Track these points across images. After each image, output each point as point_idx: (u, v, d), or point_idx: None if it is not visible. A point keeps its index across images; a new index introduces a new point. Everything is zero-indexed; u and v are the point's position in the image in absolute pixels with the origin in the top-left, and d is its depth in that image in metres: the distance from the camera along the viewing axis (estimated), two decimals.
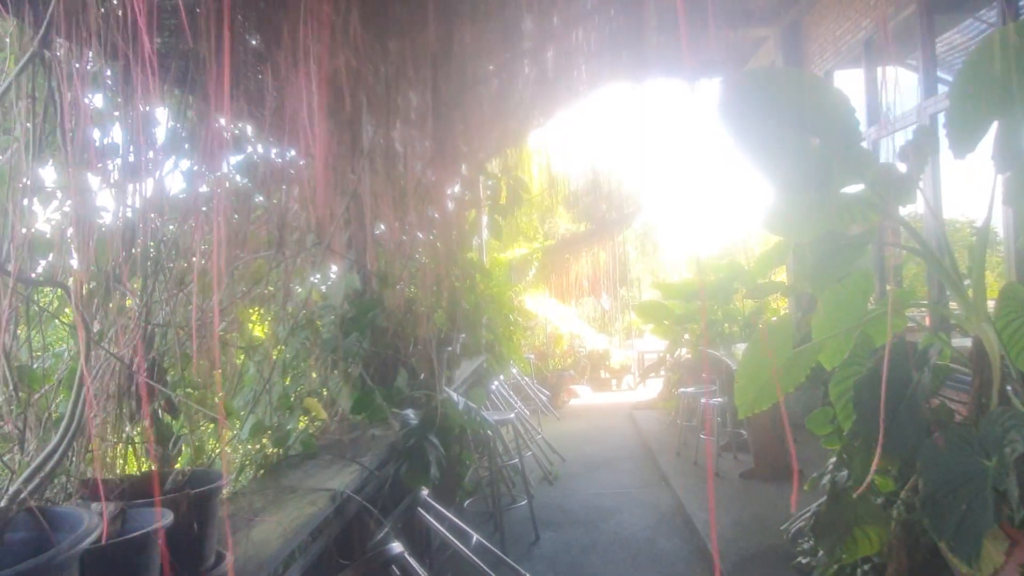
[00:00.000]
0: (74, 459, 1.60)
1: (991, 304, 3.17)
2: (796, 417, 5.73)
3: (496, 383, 6.27)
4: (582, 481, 6.01)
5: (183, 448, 2.17)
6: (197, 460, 2.00)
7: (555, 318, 11.08)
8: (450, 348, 3.95)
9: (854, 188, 3.34)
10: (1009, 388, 3.15)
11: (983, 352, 2.99)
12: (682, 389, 6.94)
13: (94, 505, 1.43)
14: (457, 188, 5.34)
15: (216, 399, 2.04)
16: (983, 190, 3.00)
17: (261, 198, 3.11)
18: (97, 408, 1.73)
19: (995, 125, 2.95)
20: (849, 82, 6.60)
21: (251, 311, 2.83)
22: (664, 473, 5.97)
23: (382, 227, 4.15)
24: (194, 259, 2.37)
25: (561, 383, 10.16)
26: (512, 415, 5.02)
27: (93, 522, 1.08)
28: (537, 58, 7.44)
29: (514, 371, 8.06)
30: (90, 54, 1.80)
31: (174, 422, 1.89)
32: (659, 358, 9.13)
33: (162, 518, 1.26)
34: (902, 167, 3.29)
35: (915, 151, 3.37)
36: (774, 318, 7.09)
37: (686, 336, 7.78)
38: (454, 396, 3.10)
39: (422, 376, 3.43)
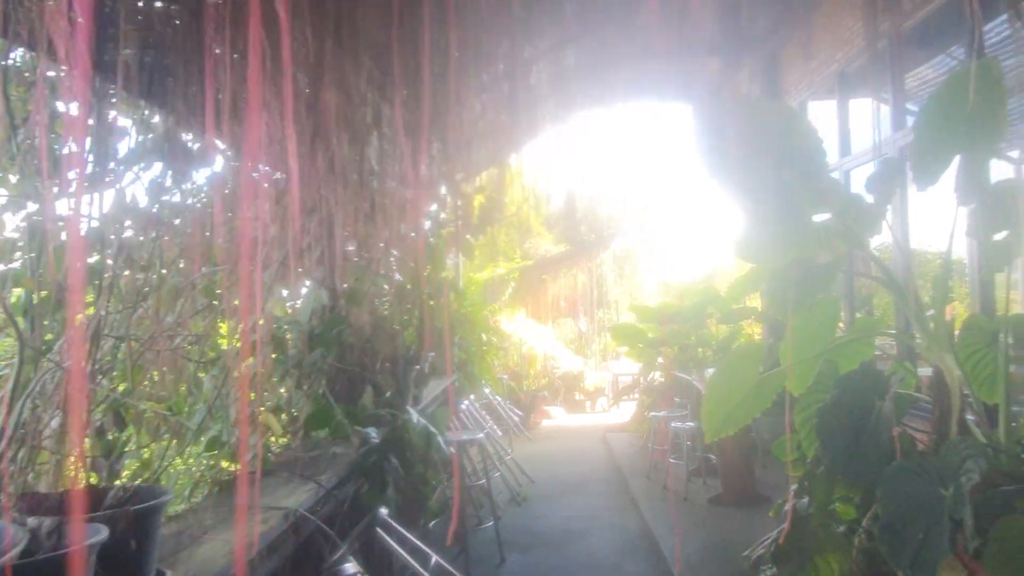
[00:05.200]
0: (14, 471, 1.56)
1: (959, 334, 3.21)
2: (765, 442, 5.76)
3: (467, 403, 6.24)
4: (551, 503, 5.97)
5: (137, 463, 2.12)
6: (144, 475, 1.96)
7: (530, 338, 11.07)
8: (418, 367, 3.92)
9: (824, 217, 3.38)
10: (971, 418, 3.19)
11: (943, 382, 3.03)
12: (653, 413, 6.94)
13: (30, 520, 1.39)
14: (433, 207, 5.35)
15: (169, 413, 2.00)
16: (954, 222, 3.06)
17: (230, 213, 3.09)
18: (44, 420, 1.70)
19: (958, 159, 3.02)
20: (823, 113, 6.72)
21: (214, 325, 2.79)
22: (634, 497, 5.95)
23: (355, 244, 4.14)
24: (164, 271, 2.34)
25: (534, 404, 10.12)
26: (481, 435, 4.99)
27: (18, 537, 1.05)
28: (518, 80, 7.51)
29: (487, 391, 8.03)
30: (49, 63, 1.78)
31: (120, 436, 1.85)
32: (632, 381, 9.14)
33: (96, 534, 1.23)
34: (870, 198, 3.35)
35: (881, 183, 3.43)
36: (744, 343, 7.13)
37: (659, 359, 7.80)
38: (414, 416, 3.07)
39: (388, 394, 3.40)
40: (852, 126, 6.12)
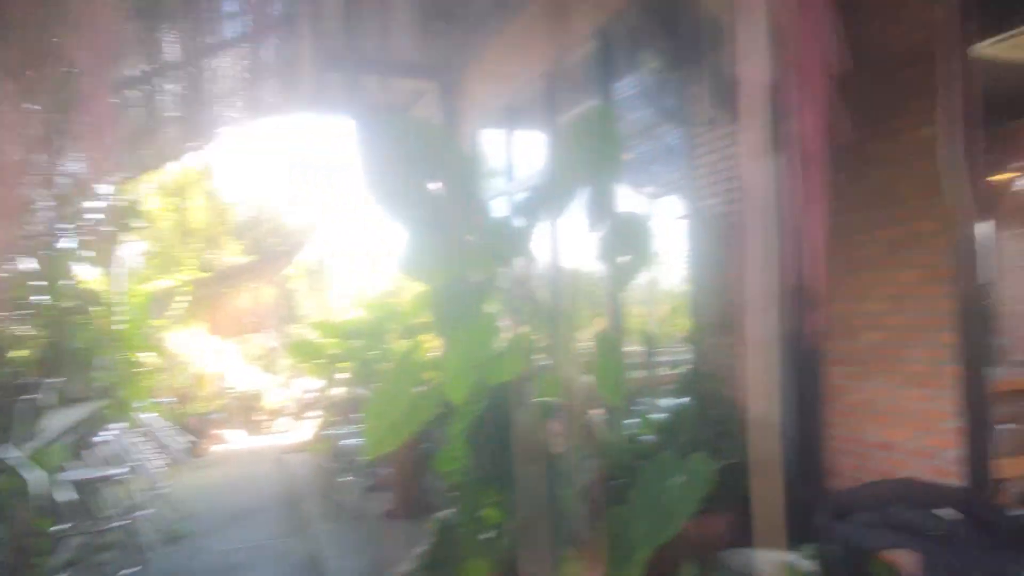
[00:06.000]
0: None
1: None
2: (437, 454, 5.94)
3: (113, 433, 5.49)
4: (213, 537, 5.48)
5: None
6: None
7: (204, 356, 10.20)
8: (35, 395, 3.31)
9: (480, 238, 3.56)
10: (599, 419, 3.60)
11: (574, 390, 3.37)
12: (331, 431, 6.79)
13: None
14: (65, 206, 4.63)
15: None
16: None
17: None
18: None
19: (586, 190, 3.39)
20: (496, 141, 7.22)
21: None
22: (307, 519, 5.74)
23: None
24: None
25: (206, 428, 9.32)
26: (124, 470, 4.40)
27: None
28: (187, 76, 6.90)
29: (145, 417, 7.19)
30: None
31: None
32: (313, 398, 8.88)
33: None
34: (521, 221, 3.62)
35: (528, 208, 3.73)
36: (403, 358, 7.30)
37: (341, 376, 7.68)
38: (14, 456, 2.55)
39: None
40: (525, 154, 6.67)
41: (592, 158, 3.31)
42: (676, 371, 4.52)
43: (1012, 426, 3.84)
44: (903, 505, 1.91)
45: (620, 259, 3.63)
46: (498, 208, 5.49)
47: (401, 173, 3.27)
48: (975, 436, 2.67)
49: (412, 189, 3.40)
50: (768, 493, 3.33)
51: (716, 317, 3.93)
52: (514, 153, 6.51)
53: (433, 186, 3.50)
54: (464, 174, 3.52)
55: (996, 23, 3.70)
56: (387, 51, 7.18)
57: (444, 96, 7.89)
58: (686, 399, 3.95)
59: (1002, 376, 4.60)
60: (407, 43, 7.09)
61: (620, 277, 3.78)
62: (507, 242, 3.61)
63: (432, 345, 8.06)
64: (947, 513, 1.93)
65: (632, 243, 3.52)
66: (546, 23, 5.71)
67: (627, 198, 8.77)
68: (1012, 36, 3.99)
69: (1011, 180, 6.94)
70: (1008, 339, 5.97)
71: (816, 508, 2.36)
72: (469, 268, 3.66)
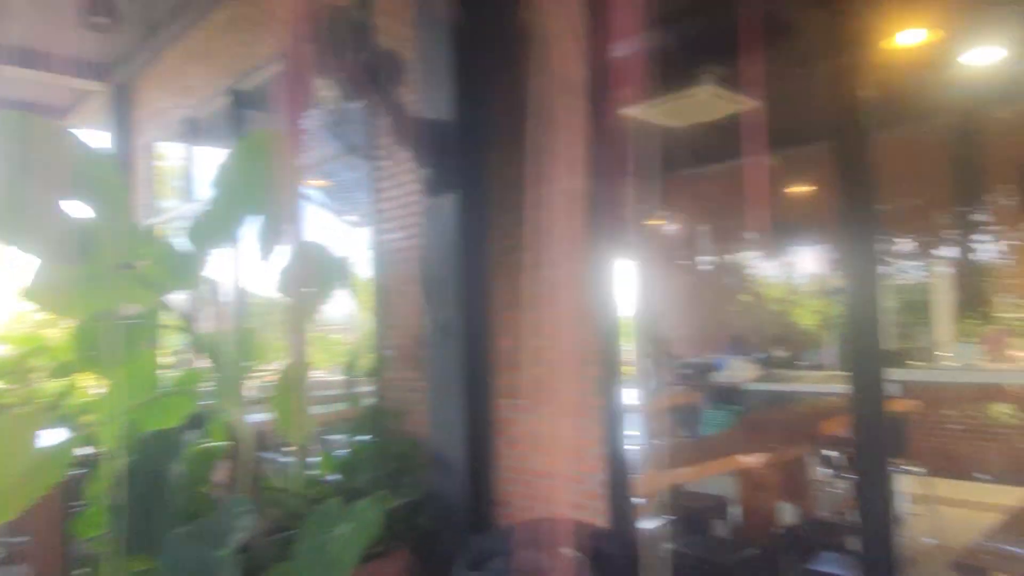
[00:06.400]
0: None
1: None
2: None
3: None
4: None
5: None
6: None
7: None
8: None
9: (138, 265, 3.14)
10: (270, 466, 3.34)
11: (237, 435, 3.09)
12: None
13: None
14: None
15: None
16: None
17: None
18: None
19: (254, 219, 3.15)
20: (175, 156, 6.56)
21: None
22: None
23: None
24: None
25: None
26: None
27: None
28: None
29: None
30: None
31: None
32: None
33: None
34: (189, 247, 3.25)
35: (201, 234, 3.37)
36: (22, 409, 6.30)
37: None
38: None
39: None
40: (206, 173, 6.12)
41: (256, 186, 3.09)
42: (361, 406, 4.41)
43: (658, 441, 4.37)
44: (534, 548, 2.01)
45: (304, 289, 3.45)
46: (167, 231, 4.99)
47: (20, 185, 2.73)
48: (614, 460, 2.96)
49: (39, 205, 2.87)
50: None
51: (397, 351, 3.92)
52: (194, 171, 5.96)
53: (70, 204, 2.99)
54: (113, 193, 3.07)
55: (651, 90, 4.25)
56: (39, 41, 6.18)
57: (115, 100, 7.00)
58: (368, 435, 3.87)
59: (656, 396, 5.26)
60: (65, 34, 6.15)
61: (304, 308, 3.59)
62: (171, 270, 3.24)
63: (92, 385, 7.03)
64: (570, 553, 2.08)
65: (316, 273, 3.36)
66: (230, 36, 5.34)
67: (327, 225, 8.55)
68: (659, 104, 4.64)
69: (662, 225, 8.10)
70: (664, 361, 6.85)
71: (455, 557, 2.40)
72: (121, 300, 3.20)
